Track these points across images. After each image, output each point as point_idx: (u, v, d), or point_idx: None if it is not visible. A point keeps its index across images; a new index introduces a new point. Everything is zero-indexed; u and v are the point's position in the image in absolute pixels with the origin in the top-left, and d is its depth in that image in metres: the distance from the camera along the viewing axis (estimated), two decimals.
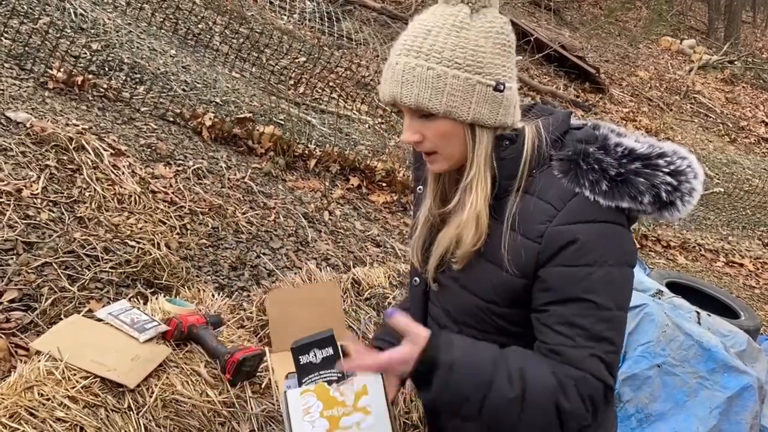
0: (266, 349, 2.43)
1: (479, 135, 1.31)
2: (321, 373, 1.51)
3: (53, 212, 3.32)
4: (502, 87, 1.29)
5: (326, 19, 7.53)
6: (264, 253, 3.84)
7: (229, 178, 4.37)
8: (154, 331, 2.25)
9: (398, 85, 1.28)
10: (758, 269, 6.84)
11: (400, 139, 1.33)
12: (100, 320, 2.30)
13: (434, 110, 1.28)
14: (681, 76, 13.85)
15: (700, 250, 6.85)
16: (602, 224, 1.26)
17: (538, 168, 1.32)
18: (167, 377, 2.15)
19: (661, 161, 1.26)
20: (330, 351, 1.51)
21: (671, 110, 11.56)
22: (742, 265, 6.80)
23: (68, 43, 4.73)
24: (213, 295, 2.79)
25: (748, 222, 7.94)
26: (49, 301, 2.86)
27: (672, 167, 1.26)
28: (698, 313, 3.92)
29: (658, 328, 3.50)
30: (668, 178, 1.25)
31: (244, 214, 4.08)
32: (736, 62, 15.70)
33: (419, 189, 1.54)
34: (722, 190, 7.44)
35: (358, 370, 1.41)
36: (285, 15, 8.12)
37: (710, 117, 12.47)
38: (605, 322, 1.25)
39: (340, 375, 1.49)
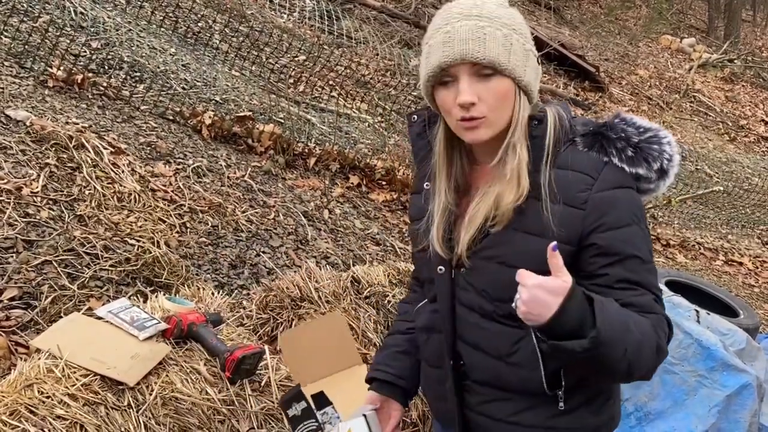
0: (266, 347, 2.43)
1: (524, 100, 1.41)
2: (306, 423, 1.69)
3: (53, 210, 3.33)
4: (539, 61, 1.44)
5: (326, 18, 7.53)
6: (264, 252, 3.84)
7: (228, 177, 4.37)
8: (154, 329, 2.26)
9: (469, 42, 1.33)
10: (757, 268, 6.84)
11: (458, 100, 1.38)
12: (99, 318, 2.31)
13: (503, 65, 1.34)
14: (681, 74, 13.85)
15: (700, 249, 6.85)
16: (629, 189, 1.40)
17: (563, 145, 1.43)
18: (167, 375, 2.16)
19: (662, 134, 1.44)
20: (304, 404, 1.71)
21: (671, 109, 11.56)
22: (741, 263, 6.80)
23: (68, 41, 4.73)
24: (213, 294, 2.79)
25: (748, 220, 7.94)
26: (49, 299, 2.87)
27: (666, 140, 1.43)
28: (697, 311, 3.91)
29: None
30: (667, 148, 1.42)
31: (243, 212, 4.09)
32: (735, 61, 15.69)
33: (426, 185, 1.54)
34: (722, 188, 7.44)
35: None
36: (285, 13, 8.12)
37: (710, 116, 12.47)
38: (650, 271, 1.40)
39: (318, 424, 1.68)
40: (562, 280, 1.25)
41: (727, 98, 13.54)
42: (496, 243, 1.42)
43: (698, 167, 9.22)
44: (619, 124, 1.43)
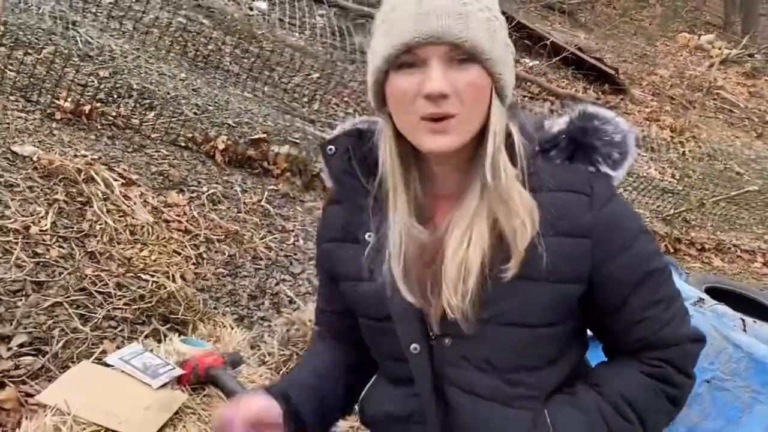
0: None
1: (499, 104, 1.10)
2: None
3: (63, 248, 3.20)
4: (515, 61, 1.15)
5: (338, 34, 7.41)
6: (284, 280, 3.68)
7: (245, 202, 4.23)
8: (168, 376, 2.11)
9: (450, 18, 1.03)
10: None
11: (426, 90, 1.02)
12: (110, 366, 2.16)
13: (487, 55, 1.06)
14: (701, 72, 13.60)
15: (736, 251, 6.61)
16: (618, 195, 1.17)
17: (533, 160, 1.13)
18: (184, 426, 2.00)
19: (628, 128, 1.19)
20: None
21: (694, 107, 11.32)
22: None
23: (74, 71, 4.63)
24: (231, 331, 2.64)
25: None
26: (61, 343, 2.73)
27: (632, 135, 1.20)
28: (743, 320, 3.72)
29: (705, 341, 3.30)
30: (633, 143, 1.19)
31: (262, 239, 3.94)
32: (756, 55, 15.42)
33: (368, 235, 1.17)
34: (757, 188, 7.19)
35: None
36: (296, 32, 8.02)
37: (734, 112, 12.20)
38: (669, 279, 1.20)
39: None
40: None
41: (751, 94, 13.26)
42: (496, 297, 1.10)
43: (727, 166, 8.97)
44: (595, 124, 1.16)
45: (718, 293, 4.37)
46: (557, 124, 1.19)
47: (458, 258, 1.08)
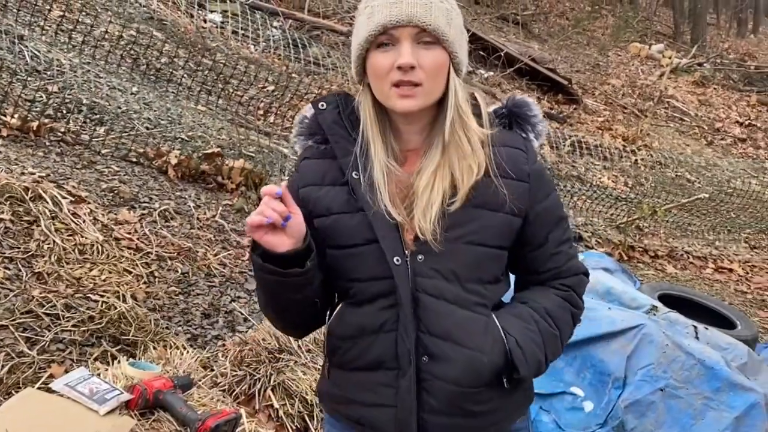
0: (242, 410, 2.23)
1: (457, 78, 1.42)
2: None
3: (9, 269, 3.11)
4: (469, 47, 1.48)
5: (293, 46, 7.37)
6: (239, 297, 3.63)
7: (198, 218, 4.16)
8: (116, 401, 2.05)
9: (417, 7, 1.35)
10: (748, 273, 6.73)
11: (398, 62, 1.36)
12: (55, 392, 2.09)
13: (445, 36, 1.37)
14: (653, 81, 13.87)
15: (689, 258, 6.73)
16: (541, 160, 1.59)
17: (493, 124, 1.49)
18: None
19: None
20: None
21: (646, 116, 11.53)
22: (731, 270, 6.68)
23: (21, 87, 4.52)
24: (182, 352, 2.58)
25: (733, 225, 7.84)
26: (6, 368, 2.65)
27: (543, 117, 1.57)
28: (695, 327, 3.78)
29: (658, 350, 3.35)
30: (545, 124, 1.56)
31: (216, 255, 3.88)
32: (705, 64, 15.78)
33: (354, 174, 1.42)
34: (707, 196, 7.33)
35: None
36: (251, 44, 7.96)
37: (685, 120, 12.46)
38: (570, 227, 1.60)
39: None
40: None
41: (700, 102, 13.57)
42: (460, 222, 1.40)
43: (678, 173, 9.15)
44: (528, 104, 1.52)
45: (671, 300, 4.43)
46: (495, 104, 1.55)
47: (425, 197, 1.39)
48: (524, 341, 1.45)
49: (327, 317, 1.52)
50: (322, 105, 1.48)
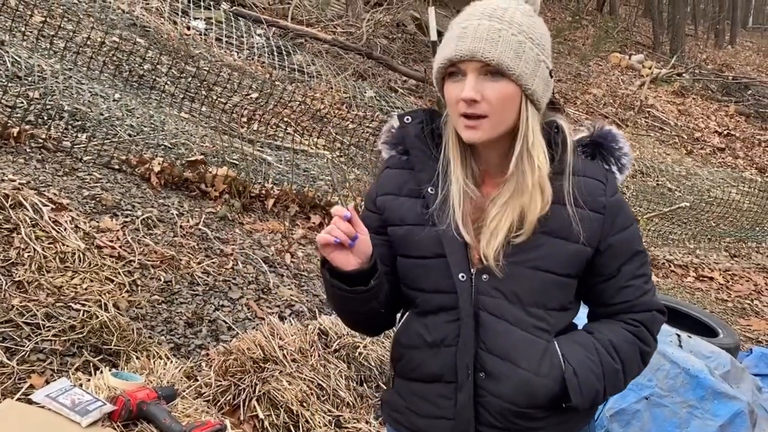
0: (226, 421, 2.19)
1: (531, 109, 1.43)
2: None
3: None
4: (552, 74, 1.48)
5: (277, 54, 7.35)
6: (223, 306, 3.59)
7: (181, 226, 4.12)
8: (99, 413, 2.02)
9: (483, 42, 1.38)
10: (728, 282, 6.79)
11: (461, 95, 1.41)
12: (36, 404, 2.05)
13: (511, 70, 1.38)
14: (633, 90, 13.99)
15: (670, 266, 6.78)
16: (621, 194, 1.55)
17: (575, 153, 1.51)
18: None
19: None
20: None
21: (627, 125, 11.61)
22: (712, 278, 6.74)
23: (1, 93, 4.46)
24: (165, 363, 2.54)
25: (713, 234, 7.92)
26: None
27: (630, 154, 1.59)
28: (679, 335, 3.80)
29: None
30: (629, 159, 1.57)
31: (199, 263, 3.84)
32: (684, 74, 15.95)
33: (431, 189, 1.49)
34: (688, 204, 7.39)
35: None
36: (234, 51, 7.93)
37: (665, 130, 12.58)
38: (648, 262, 1.57)
39: None
40: None
41: (680, 112, 13.71)
42: (527, 248, 1.45)
43: (659, 182, 9.22)
44: (615, 136, 1.54)
45: None
46: (580, 132, 1.56)
47: (493, 225, 1.44)
48: (582, 371, 1.47)
49: (396, 321, 1.63)
50: (407, 119, 1.55)
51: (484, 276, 1.46)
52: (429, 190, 1.49)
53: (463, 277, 1.46)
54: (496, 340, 1.46)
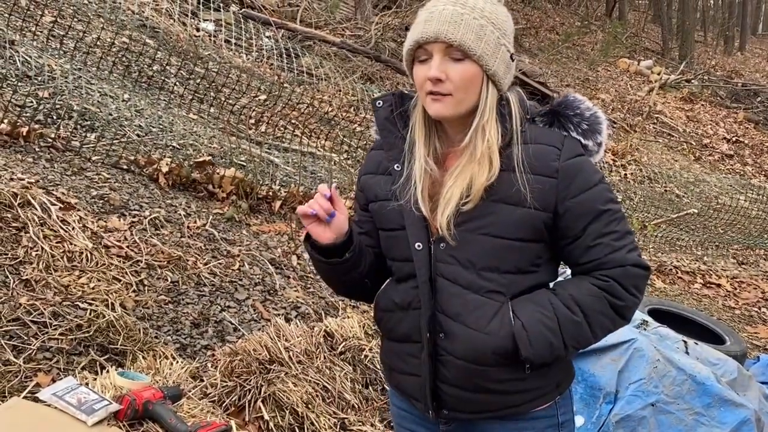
0: (232, 422, 2.19)
1: (491, 88, 1.54)
2: None
3: None
4: (513, 58, 1.58)
5: (285, 56, 7.36)
6: (229, 306, 3.59)
7: (188, 227, 4.13)
8: (105, 412, 2.02)
9: (446, 24, 1.48)
10: (736, 289, 6.75)
11: (429, 74, 1.53)
12: (42, 402, 2.06)
13: (472, 51, 1.49)
14: (641, 96, 13.95)
15: (677, 273, 6.74)
16: (586, 156, 1.58)
17: (525, 123, 1.57)
18: None
19: (600, 113, 1.63)
20: None
21: (635, 131, 11.59)
22: (719, 285, 6.71)
23: (11, 92, 4.48)
24: (171, 363, 2.54)
25: (721, 241, 7.88)
26: None
27: (603, 118, 1.63)
28: (685, 342, 3.78)
29: (649, 364, 3.34)
30: (604, 126, 1.62)
31: (206, 264, 3.84)
32: (693, 81, 15.91)
33: (396, 166, 1.61)
34: (696, 211, 7.36)
35: None
36: (243, 53, 7.94)
37: (673, 136, 12.54)
38: (623, 219, 1.58)
39: None
40: None
41: (689, 118, 13.67)
42: (479, 215, 1.53)
43: (667, 189, 9.19)
44: (572, 103, 1.60)
45: (660, 315, 4.43)
46: (549, 104, 1.63)
47: (448, 195, 1.53)
48: (531, 324, 1.53)
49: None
50: (379, 103, 1.67)
51: (442, 245, 1.56)
52: (395, 167, 1.61)
53: (419, 246, 1.57)
54: (452, 303, 1.57)
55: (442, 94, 1.52)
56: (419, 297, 1.59)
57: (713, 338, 4.37)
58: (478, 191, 1.51)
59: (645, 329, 3.74)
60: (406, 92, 1.69)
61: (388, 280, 1.72)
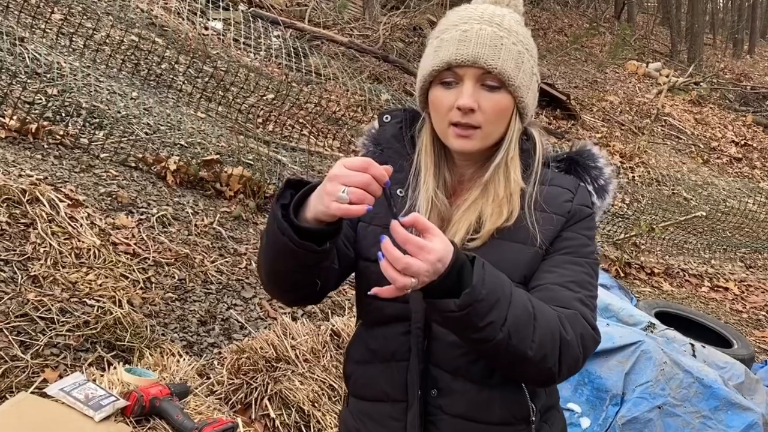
0: (238, 419, 2.19)
1: (518, 121, 1.38)
2: None
3: (4, 272, 3.08)
4: (539, 86, 1.43)
5: (293, 55, 7.37)
6: (235, 305, 3.60)
7: (196, 225, 4.14)
8: (112, 408, 2.02)
9: (486, 48, 1.31)
10: (743, 292, 6.73)
11: (458, 103, 1.32)
12: (50, 397, 2.06)
13: (511, 81, 1.32)
14: (649, 99, 13.92)
15: (684, 276, 6.73)
16: (593, 212, 1.44)
17: (545, 165, 1.44)
18: None
19: (614, 177, 1.50)
20: None
21: (643, 134, 11.56)
22: (727, 288, 6.69)
23: (21, 89, 4.49)
24: (178, 360, 2.55)
25: (729, 244, 7.85)
26: None
27: (615, 181, 1.50)
28: (692, 345, 3.77)
29: (657, 367, 3.33)
30: (613, 187, 1.49)
31: (213, 262, 3.85)
32: (701, 83, 15.86)
33: (399, 191, 1.41)
34: (704, 214, 7.33)
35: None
36: (251, 52, 7.95)
37: (681, 139, 12.50)
38: (590, 282, 1.38)
39: None
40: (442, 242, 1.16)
41: (697, 121, 13.62)
42: (483, 253, 1.29)
43: (675, 191, 9.16)
44: (593, 154, 1.48)
45: (667, 317, 4.42)
46: (561, 149, 1.49)
47: (452, 229, 1.36)
48: (492, 276, 1.24)
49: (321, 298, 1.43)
50: (387, 118, 1.49)
51: None
52: (398, 191, 1.41)
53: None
54: (449, 354, 1.35)
55: (472, 126, 1.33)
56: (408, 346, 1.35)
57: (721, 342, 4.36)
58: (488, 231, 1.34)
59: (652, 332, 3.73)
60: (417, 108, 1.49)
61: (359, 326, 1.46)
